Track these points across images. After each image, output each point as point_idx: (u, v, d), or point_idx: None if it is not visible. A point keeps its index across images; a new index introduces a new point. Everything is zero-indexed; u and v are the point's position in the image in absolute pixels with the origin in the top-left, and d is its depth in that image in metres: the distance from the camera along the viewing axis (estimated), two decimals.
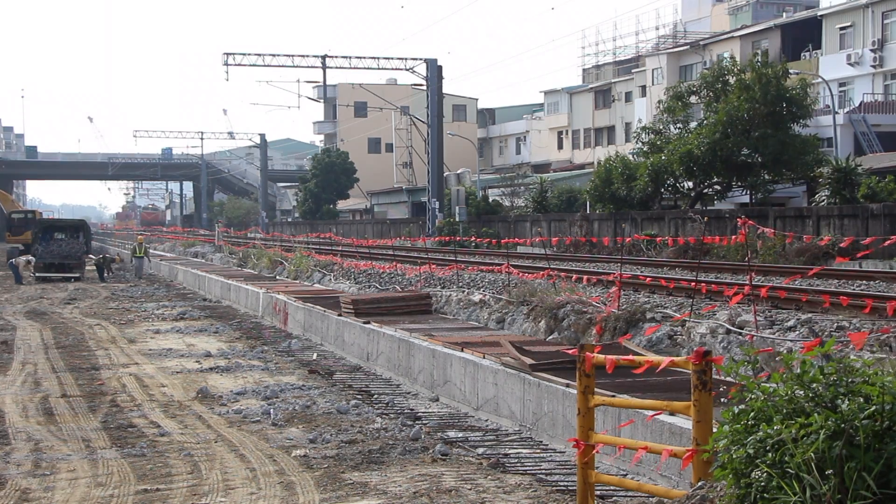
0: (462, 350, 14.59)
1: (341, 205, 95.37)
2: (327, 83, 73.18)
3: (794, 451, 5.39)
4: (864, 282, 22.77)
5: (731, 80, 44.54)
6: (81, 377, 17.25)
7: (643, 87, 77.14)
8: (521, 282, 21.68)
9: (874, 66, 56.28)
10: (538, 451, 11.26)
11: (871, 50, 56.10)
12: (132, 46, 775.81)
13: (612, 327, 15.62)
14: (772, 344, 12.75)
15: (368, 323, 18.74)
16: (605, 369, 7.88)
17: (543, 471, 10.24)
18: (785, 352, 10.74)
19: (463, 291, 22.42)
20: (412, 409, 14.02)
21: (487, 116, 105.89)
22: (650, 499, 8.54)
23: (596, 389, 7.98)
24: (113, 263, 49.50)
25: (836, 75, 56.89)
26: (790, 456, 5.41)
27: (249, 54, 64.53)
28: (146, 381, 16.73)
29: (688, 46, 71.63)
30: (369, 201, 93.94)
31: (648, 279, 20.45)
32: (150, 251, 61.92)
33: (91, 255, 49.19)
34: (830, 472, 5.26)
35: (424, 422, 13.06)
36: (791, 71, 45.38)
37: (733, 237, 18.29)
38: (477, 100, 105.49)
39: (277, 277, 35.98)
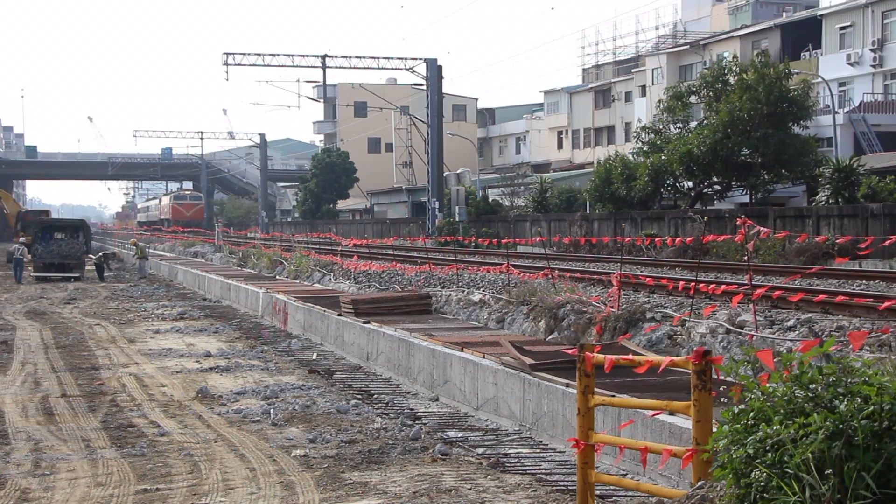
0: (462, 350, 14.59)
1: (341, 205, 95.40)
2: (327, 83, 73.28)
3: (794, 451, 5.39)
4: (863, 282, 22.78)
5: (732, 80, 44.57)
6: (81, 377, 17.25)
7: (643, 87, 77.14)
8: (521, 282, 21.68)
9: (874, 66, 56.29)
10: (538, 450, 11.26)
11: (871, 50, 56.11)
12: (132, 46, 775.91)
13: (611, 327, 15.62)
14: (772, 344, 12.75)
15: (368, 323, 18.74)
16: (604, 369, 7.88)
17: (543, 471, 10.24)
18: (784, 352, 10.74)
19: (463, 291, 22.42)
20: (412, 409, 14.02)
21: (487, 116, 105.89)
22: (650, 498, 8.54)
23: (596, 389, 7.98)
24: (113, 258, 49.64)
25: (836, 75, 56.90)
26: (789, 456, 5.41)
27: (249, 54, 64.65)
28: (146, 381, 16.73)
29: (688, 46, 71.63)
30: (369, 201, 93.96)
31: (649, 280, 20.45)
32: (150, 251, 62.05)
33: (91, 255, 49.27)
34: (830, 472, 5.26)
35: (424, 422, 13.06)
36: (792, 71, 45.40)
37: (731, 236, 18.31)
38: (477, 100, 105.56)
39: (277, 277, 35.99)
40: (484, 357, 13.78)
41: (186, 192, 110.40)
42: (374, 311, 19.76)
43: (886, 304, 13.02)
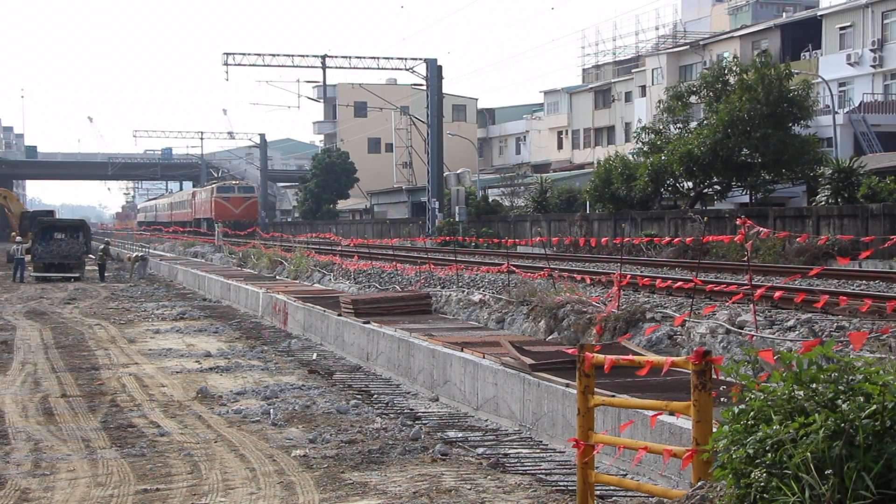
0: (462, 350, 14.59)
1: (341, 205, 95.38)
2: (327, 83, 73.25)
3: (794, 451, 5.39)
4: (863, 282, 22.78)
5: (732, 80, 44.58)
6: (81, 377, 17.25)
7: (643, 87, 77.17)
8: (521, 282, 21.68)
9: (874, 66, 56.30)
10: (538, 451, 11.25)
11: (871, 50, 56.12)
12: (132, 47, 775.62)
13: (611, 327, 15.61)
14: (772, 344, 12.75)
15: (368, 323, 18.74)
16: (604, 369, 7.88)
17: (543, 471, 10.24)
18: (784, 351, 10.74)
19: (463, 291, 22.42)
20: (412, 409, 14.02)
21: (487, 116, 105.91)
22: (650, 499, 8.54)
23: (596, 389, 7.98)
24: (110, 247, 50.01)
25: (836, 75, 56.91)
26: (789, 456, 5.40)
27: (249, 54, 64.71)
28: (146, 381, 16.73)
29: (688, 46, 71.65)
30: (369, 201, 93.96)
31: (647, 281, 20.44)
32: (151, 251, 62.11)
33: (91, 255, 49.30)
34: (830, 472, 5.25)
35: (424, 422, 13.06)
36: (792, 71, 45.40)
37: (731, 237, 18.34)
38: (477, 100, 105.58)
39: (277, 277, 35.98)
40: (484, 357, 13.78)
41: (234, 184, 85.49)
42: (374, 311, 19.75)
43: (891, 306, 13.02)
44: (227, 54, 64.08)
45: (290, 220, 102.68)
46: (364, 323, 18.86)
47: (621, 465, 9.85)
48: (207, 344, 21.93)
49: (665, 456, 7.20)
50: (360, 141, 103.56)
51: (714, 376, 6.77)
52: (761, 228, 16.39)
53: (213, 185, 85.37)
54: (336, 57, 66.01)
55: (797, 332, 13.54)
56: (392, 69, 67.27)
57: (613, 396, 9.78)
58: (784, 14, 70.19)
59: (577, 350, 7.89)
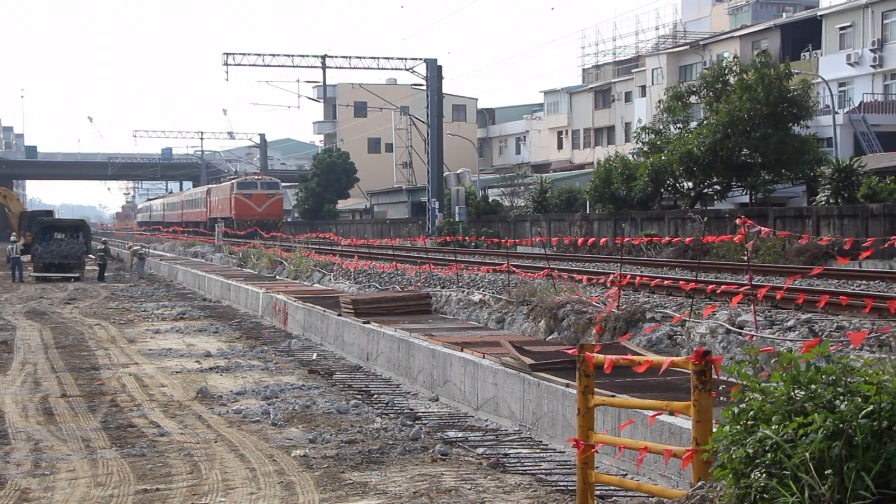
0: (462, 350, 14.59)
1: (341, 205, 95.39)
2: (327, 83, 73.23)
3: (792, 452, 5.39)
4: (863, 282, 22.79)
5: (732, 80, 44.58)
6: (81, 377, 17.25)
7: (643, 87, 77.16)
8: (521, 282, 21.68)
9: (874, 66, 56.30)
10: (538, 451, 11.26)
11: (871, 50, 56.12)
12: (132, 46, 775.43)
13: (611, 327, 15.62)
14: (772, 344, 12.75)
15: (368, 323, 18.74)
16: (604, 369, 7.88)
17: (543, 471, 10.24)
18: (784, 350, 10.74)
19: (463, 291, 22.42)
20: (412, 409, 14.02)
21: (487, 116, 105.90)
22: (650, 499, 8.54)
23: (596, 389, 7.98)
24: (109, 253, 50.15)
25: (836, 75, 56.91)
26: (788, 457, 5.40)
27: (249, 54, 64.78)
28: (146, 381, 16.74)
29: (688, 46, 71.66)
30: (369, 201, 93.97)
31: (646, 279, 20.42)
32: (151, 251, 62.10)
33: (91, 255, 49.32)
34: (829, 472, 5.26)
35: (424, 422, 13.07)
36: (792, 71, 45.39)
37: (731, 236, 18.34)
38: (477, 100, 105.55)
39: (277, 277, 35.98)
40: (484, 357, 13.78)
41: (256, 179, 75.26)
42: (374, 311, 19.76)
43: (892, 306, 13.01)
44: (227, 54, 64.15)
45: (289, 220, 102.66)
46: (364, 323, 18.87)
47: (621, 465, 9.85)
48: (207, 344, 21.93)
49: (665, 456, 7.21)
50: (360, 141, 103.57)
51: (714, 376, 6.78)
52: (762, 228, 16.37)
53: (233, 181, 76.14)
54: (336, 57, 66.09)
55: (797, 332, 13.54)
56: (392, 69, 67.39)
57: (613, 396, 9.78)
58: (784, 14, 70.20)
59: (578, 350, 7.89)
